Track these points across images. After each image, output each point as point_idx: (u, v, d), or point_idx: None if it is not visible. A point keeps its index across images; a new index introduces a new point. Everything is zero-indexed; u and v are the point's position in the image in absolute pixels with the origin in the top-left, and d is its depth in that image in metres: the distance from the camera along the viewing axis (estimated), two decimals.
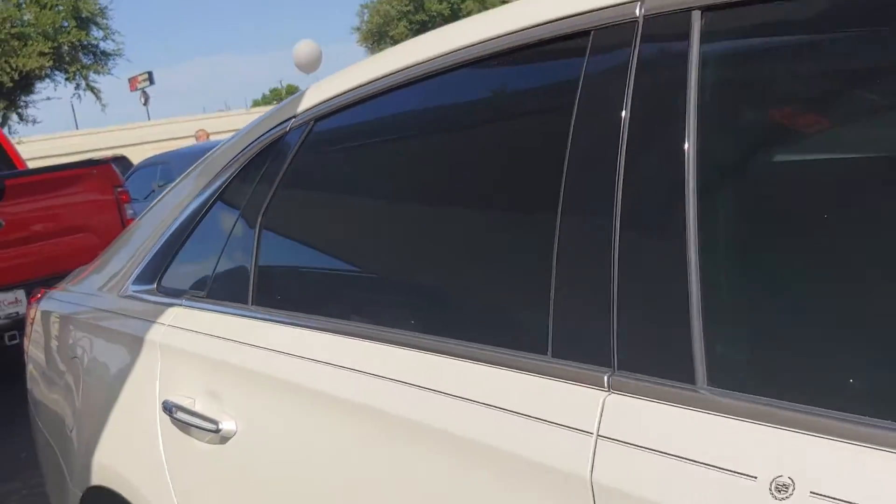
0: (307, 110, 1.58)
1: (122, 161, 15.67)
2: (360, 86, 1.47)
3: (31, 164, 7.77)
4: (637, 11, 1.04)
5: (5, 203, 5.37)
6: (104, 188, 5.87)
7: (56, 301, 2.36)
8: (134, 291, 1.97)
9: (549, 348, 1.03)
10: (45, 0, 25.70)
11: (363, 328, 1.30)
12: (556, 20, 1.13)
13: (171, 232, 1.91)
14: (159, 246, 1.93)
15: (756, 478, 0.80)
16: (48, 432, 2.32)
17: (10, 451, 4.48)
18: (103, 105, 28.46)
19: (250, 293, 1.59)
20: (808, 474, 0.77)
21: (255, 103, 50.84)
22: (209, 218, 1.80)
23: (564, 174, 1.05)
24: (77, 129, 35.98)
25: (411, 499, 1.12)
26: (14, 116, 27.22)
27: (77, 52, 26.77)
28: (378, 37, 36.62)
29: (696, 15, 0.98)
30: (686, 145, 0.94)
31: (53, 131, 32.47)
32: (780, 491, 0.78)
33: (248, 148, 1.72)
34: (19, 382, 2.80)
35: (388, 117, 1.46)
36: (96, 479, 1.89)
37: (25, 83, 26.19)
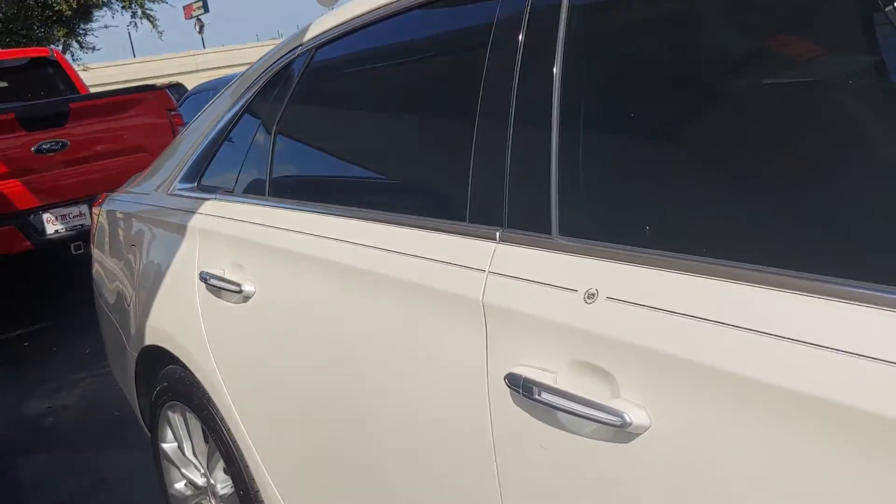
0: (310, 40, 1.98)
1: (178, 88, 16.27)
2: (351, 20, 1.86)
3: (93, 90, 8.26)
4: None
5: (70, 125, 5.85)
6: (159, 112, 6.34)
7: (116, 202, 2.82)
8: (179, 190, 2.41)
9: (467, 215, 1.43)
10: None
11: (346, 210, 1.72)
12: None
13: (208, 140, 2.34)
14: (199, 152, 2.37)
15: (576, 290, 1.20)
16: (110, 310, 2.80)
17: (79, 350, 5.06)
18: (159, 32, 28.87)
19: (267, 187, 2.02)
20: (607, 287, 1.17)
21: None
22: (237, 128, 2.22)
23: (482, 87, 1.44)
24: (134, 56, 36.59)
25: (374, 325, 1.54)
26: (74, 44, 27.98)
27: None
28: None
29: None
30: (554, 67, 1.32)
31: (112, 59, 33.11)
32: (590, 297, 1.18)
33: (267, 71, 2.13)
34: (85, 290, 3.29)
35: (370, 46, 1.85)
36: (149, 340, 2.37)
37: (84, 11, 26.78)
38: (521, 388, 1.22)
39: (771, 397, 0.95)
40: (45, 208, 5.72)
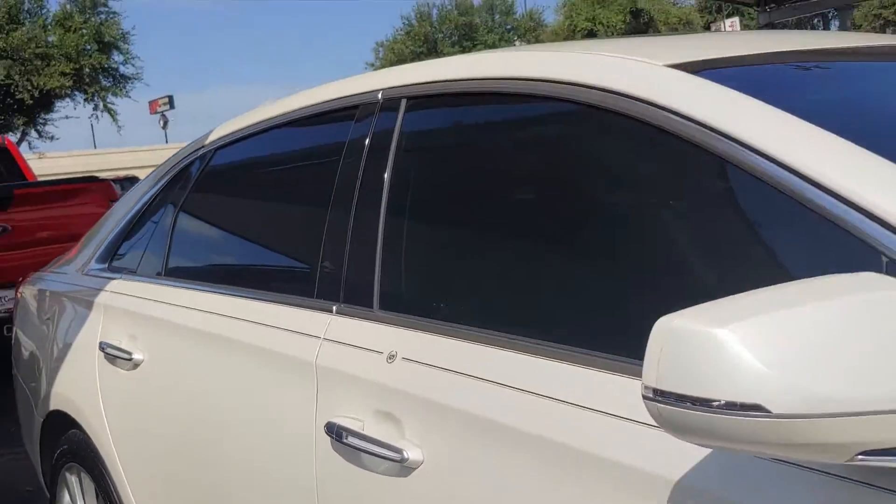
0: (212, 142, 2.29)
1: (131, 180, 16.51)
2: (243, 128, 2.18)
3: (48, 179, 8.49)
4: (379, 96, 1.74)
5: (12, 210, 6.06)
6: (102, 202, 6.55)
7: (39, 280, 3.05)
8: (93, 270, 2.66)
9: (315, 292, 1.72)
10: (70, 23, 26.68)
11: (219, 287, 2.00)
12: (345, 96, 1.84)
13: (120, 226, 2.61)
14: (112, 236, 2.63)
15: (382, 352, 1.48)
16: (23, 380, 3.00)
17: (3, 428, 5.12)
18: (119, 126, 29.37)
19: (163, 268, 2.29)
20: (404, 349, 1.45)
21: None
22: (145, 215, 2.50)
23: (334, 189, 1.75)
24: (95, 147, 36.81)
25: (230, 384, 1.80)
26: (33, 133, 28.29)
27: (97, 74, 27.67)
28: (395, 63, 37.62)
29: (403, 101, 1.67)
30: (386, 174, 1.64)
31: (72, 149, 33.31)
32: (391, 358, 1.46)
33: (175, 166, 2.43)
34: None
35: (259, 151, 2.17)
36: (53, 405, 2.58)
37: (46, 101, 27.20)
38: (335, 434, 1.49)
39: (524, 443, 1.22)
40: None
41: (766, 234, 1.15)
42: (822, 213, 1.01)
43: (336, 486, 1.51)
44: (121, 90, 28.55)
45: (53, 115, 28.52)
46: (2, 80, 24.85)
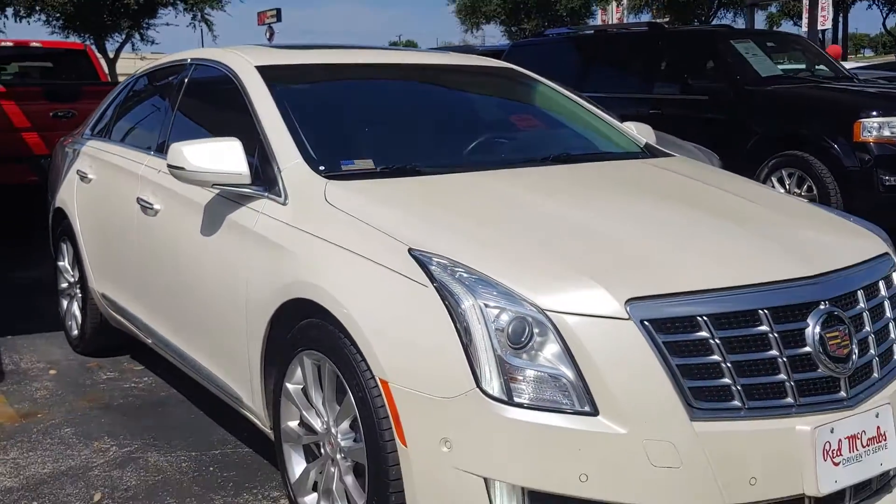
0: (137, 72, 4.47)
1: None
2: (148, 69, 4.34)
3: None
4: (189, 59, 3.87)
5: (80, 101, 8.37)
6: None
7: (63, 140, 5.31)
8: (85, 135, 4.88)
9: (153, 148, 3.89)
10: None
11: (126, 144, 4.20)
12: (173, 61, 3.99)
13: (97, 115, 4.82)
14: (93, 119, 4.84)
15: (159, 170, 3.65)
16: (49, 192, 5.27)
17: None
18: (215, 36, 31.98)
19: (108, 135, 4.49)
20: (144, 165, 3.62)
21: None
22: (107, 109, 4.70)
23: (171, 102, 3.90)
24: None
25: (119, 186, 4.01)
26: (136, 36, 31.17)
27: None
28: (471, 10, 39.09)
29: (191, 65, 3.81)
30: (180, 95, 3.78)
31: (173, 52, 36.04)
32: (144, 169, 3.63)
33: (123, 84, 4.62)
34: None
35: (150, 80, 4.34)
36: (56, 204, 4.83)
37: (150, 8, 29.94)
38: (141, 205, 3.66)
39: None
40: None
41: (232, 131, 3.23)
42: (260, 134, 3.08)
43: (143, 237, 3.68)
44: (217, 3, 30.95)
45: (156, 21, 31.19)
46: None
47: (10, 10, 27.34)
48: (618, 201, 2.81)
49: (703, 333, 2.14)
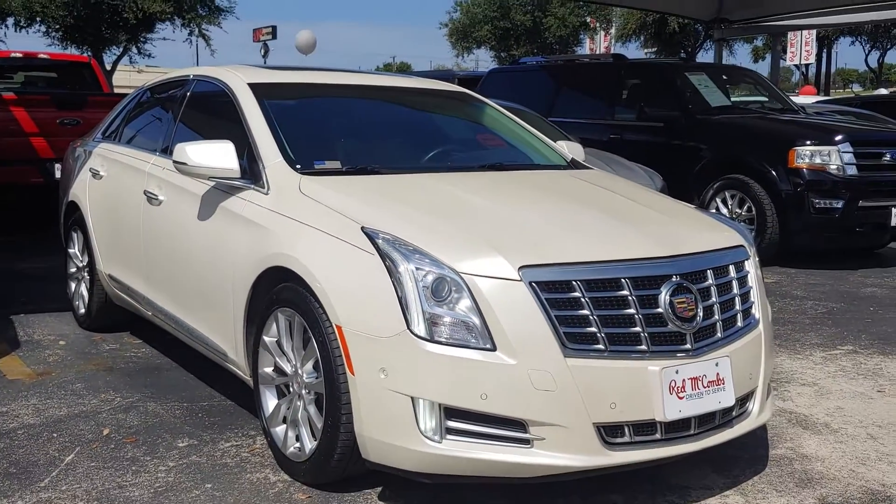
0: (145, 86, 5.18)
1: None
2: (154, 82, 5.05)
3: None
4: (191, 75, 4.59)
5: (86, 109, 9.05)
6: None
7: (75, 143, 5.99)
8: (97, 139, 5.57)
9: (158, 149, 4.59)
10: None
11: (134, 147, 4.90)
12: (178, 77, 4.70)
13: (108, 120, 5.52)
14: (104, 125, 5.54)
15: (165, 167, 4.35)
16: (61, 190, 5.95)
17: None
18: (212, 51, 32.76)
19: (119, 138, 5.19)
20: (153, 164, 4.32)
21: None
22: (117, 116, 5.40)
23: (174, 113, 4.60)
24: (198, 66, 40.27)
25: (127, 181, 4.70)
26: (134, 49, 31.98)
27: (195, 3, 30.98)
28: (462, 35, 40.04)
29: (193, 80, 4.52)
30: (183, 106, 4.49)
31: (172, 66, 36.89)
32: (148, 166, 4.32)
33: (131, 95, 5.33)
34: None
35: (155, 93, 5.05)
36: (69, 198, 5.52)
37: (148, 22, 30.75)
38: (147, 196, 4.36)
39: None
40: (56, 160, 8.88)
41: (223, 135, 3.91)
42: (249, 138, 3.79)
43: (148, 224, 4.37)
44: (215, 19, 31.75)
45: (153, 36, 31.97)
46: (111, 0, 28.27)
47: (10, 20, 28.12)
48: (529, 198, 3.52)
49: (577, 294, 2.85)
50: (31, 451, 3.52)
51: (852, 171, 7.74)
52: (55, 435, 3.71)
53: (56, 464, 3.40)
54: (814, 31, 37.47)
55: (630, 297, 2.91)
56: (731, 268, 3.26)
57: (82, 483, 3.23)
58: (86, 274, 5.34)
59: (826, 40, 46.89)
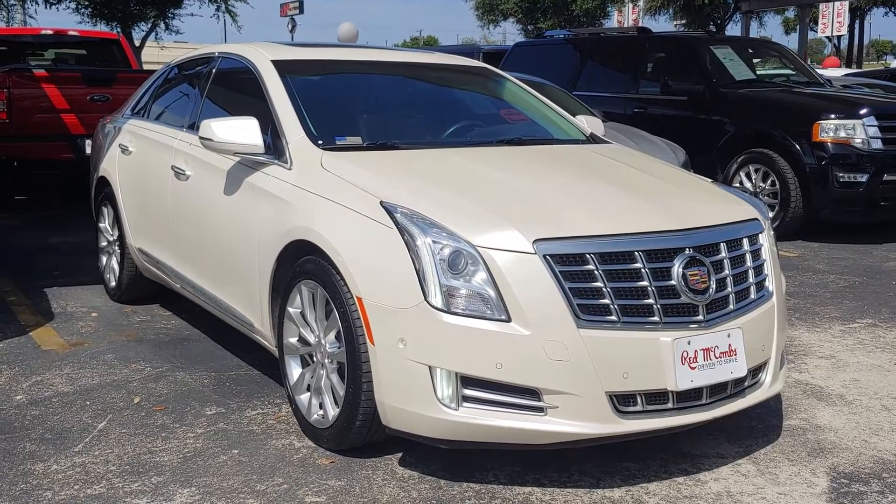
0: (171, 62, 5.27)
1: None
2: (181, 59, 5.14)
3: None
4: (217, 52, 4.68)
5: (115, 86, 9.18)
6: None
7: (105, 119, 6.12)
8: (126, 115, 5.69)
9: (185, 124, 4.70)
10: None
11: (161, 122, 5.00)
12: (204, 54, 4.79)
13: (136, 97, 5.63)
14: (133, 101, 5.66)
15: (190, 143, 4.45)
16: (91, 166, 6.08)
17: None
18: (239, 27, 32.98)
19: (147, 114, 5.30)
20: (181, 140, 4.42)
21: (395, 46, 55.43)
22: (146, 93, 5.51)
23: (200, 88, 4.70)
24: (226, 42, 40.48)
25: (156, 156, 4.82)
26: (161, 25, 32.14)
27: None
28: (489, 7, 39.80)
29: (219, 57, 4.61)
30: (209, 82, 4.58)
31: (199, 43, 37.09)
32: (181, 143, 4.42)
33: (159, 71, 5.43)
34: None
35: (181, 70, 5.14)
36: (99, 174, 5.65)
37: None
38: (175, 172, 4.47)
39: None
40: (87, 136, 9.04)
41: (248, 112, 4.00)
42: (272, 114, 3.88)
43: (176, 198, 4.48)
44: None
45: (181, 12, 32.10)
46: None
47: None
48: (546, 173, 3.59)
49: (590, 266, 2.91)
50: (65, 418, 3.66)
51: (877, 144, 7.69)
52: (88, 403, 3.85)
53: (89, 430, 3.54)
54: (846, 2, 36.86)
55: (643, 270, 2.97)
56: (745, 241, 3.30)
57: (114, 448, 3.36)
58: (116, 248, 5.47)
59: (859, 11, 46.09)
